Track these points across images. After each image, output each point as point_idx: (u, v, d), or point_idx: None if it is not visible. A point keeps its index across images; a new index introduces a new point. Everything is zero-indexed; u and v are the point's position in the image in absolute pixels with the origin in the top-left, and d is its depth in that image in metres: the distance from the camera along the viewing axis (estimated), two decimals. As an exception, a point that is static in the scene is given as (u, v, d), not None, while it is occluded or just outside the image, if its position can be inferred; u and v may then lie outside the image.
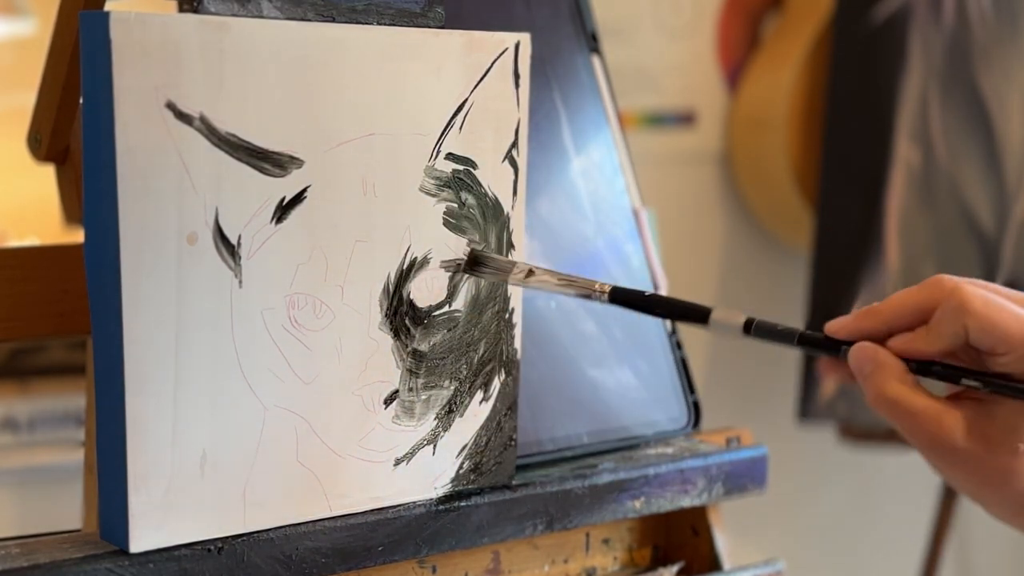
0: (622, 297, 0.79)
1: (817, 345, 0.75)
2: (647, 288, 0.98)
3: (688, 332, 1.03)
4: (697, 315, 0.76)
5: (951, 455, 0.71)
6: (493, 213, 0.82)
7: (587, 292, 0.79)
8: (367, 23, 0.77)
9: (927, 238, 2.07)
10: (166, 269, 0.69)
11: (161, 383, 0.69)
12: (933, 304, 0.72)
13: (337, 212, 0.75)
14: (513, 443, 0.85)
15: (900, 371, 0.71)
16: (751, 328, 0.75)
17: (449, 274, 0.80)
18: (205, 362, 0.71)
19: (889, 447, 2.13)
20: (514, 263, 0.81)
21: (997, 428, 0.71)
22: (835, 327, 0.74)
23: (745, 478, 0.95)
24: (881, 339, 0.73)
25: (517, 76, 0.82)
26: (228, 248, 0.71)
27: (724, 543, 0.96)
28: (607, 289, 0.78)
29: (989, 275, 2.05)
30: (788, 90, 2.16)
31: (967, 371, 0.71)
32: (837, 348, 0.74)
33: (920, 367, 0.72)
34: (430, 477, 0.81)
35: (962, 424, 0.70)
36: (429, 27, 0.79)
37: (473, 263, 0.80)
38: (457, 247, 0.80)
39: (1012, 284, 2.05)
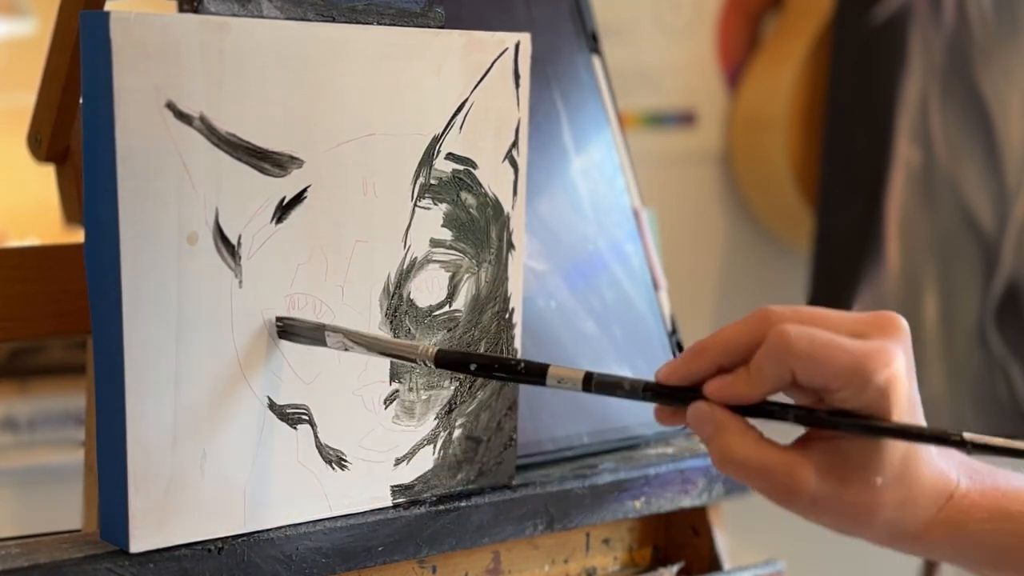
0: (447, 362, 0.72)
1: (661, 396, 0.69)
2: (647, 287, 0.98)
3: (688, 332, 1.03)
4: (534, 374, 0.71)
5: (811, 503, 0.68)
6: (493, 213, 0.82)
7: (410, 356, 0.73)
8: (367, 23, 0.77)
9: (927, 238, 2.07)
10: (166, 269, 0.69)
11: (161, 383, 0.69)
12: (760, 338, 0.67)
13: (337, 212, 0.75)
14: (513, 443, 0.85)
15: (740, 428, 0.67)
16: (591, 384, 0.69)
17: (449, 274, 0.80)
18: (205, 362, 0.71)
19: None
20: (324, 328, 0.74)
21: (850, 466, 0.67)
22: (665, 373, 0.69)
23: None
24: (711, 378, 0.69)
25: (517, 76, 0.82)
26: (228, 248, 0.71)
27: (724, 543, 0.96)
28: (431, 353, 0.71)
29: (989, 275, 2.06)
30: (788, 90, 2.16)
31: (797, 409, 0.67)
32: (682, 398, 0.69)
33: (751, 410, 0.67)
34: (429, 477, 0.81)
35: (814, 470, 0.67)
36: (429, 27, 0.79)
37: (282, 332, 0.74)
38: (457, 247, 0.80)
39: (1012, 284, 2.06)
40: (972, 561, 0.74)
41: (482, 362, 0.72)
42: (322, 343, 0.73)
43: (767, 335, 0.67)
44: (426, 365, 0.72)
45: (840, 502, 0.68)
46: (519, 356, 0.84)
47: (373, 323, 0.77)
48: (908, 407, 0.68)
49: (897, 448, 0.68)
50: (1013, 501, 0.72)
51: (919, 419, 0.69)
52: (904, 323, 0.69)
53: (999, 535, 0.71)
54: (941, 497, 0.71)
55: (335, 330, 0.73)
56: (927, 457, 0.70)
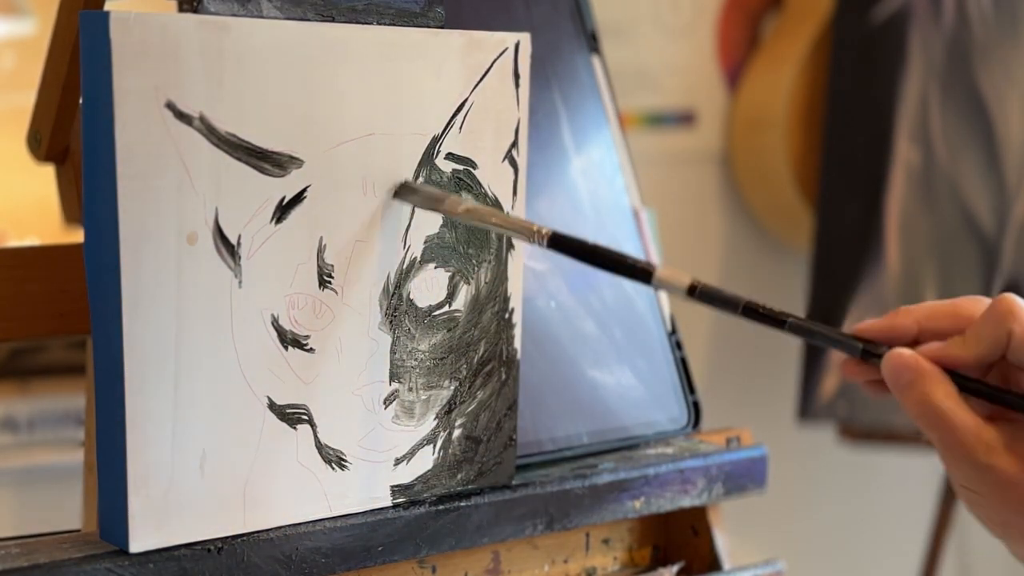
0: (562, 243, 0.75)
1: (761, 318, 0.72)
2: (648, 288, 0.98)
3: (688, 332, 1.03)
4: (640, 273, 0.73)
5: (984, 473, 0.68)
6: (493, 213, 0.82)
7: (527, 234, 0.76)
8: (367, 23, 0.77)
9: (927, 238, 2.07)
10: (166, 269, 0.69)
11: (161, 383, 0.69)
12: (968, 313, 0.69)
13: (337, 212, 0.75)
14: (513, 443, 0.85)
15: (944, 378, 0.69)
16: (695, 292, 0.72)
17: (449, 274, 0.80)
18: (205, 362, 0.71)
19: (889, 447, 2.13)
20: (448, 194, 0.77)
21: None
22: (863, 326, 0.71)
23: (745, 478, 0.95)
24: (909, 343, 0.71)
25: (517, 76, 0.82)
26: (228, 248, 0.71)
27: (724, 543, 0.96)
28: (547, 233, 0.75)
29: (989, 275, 2.05)
30: (788, 90, 2.16)
31: (1011, 393, 0.69)
32: (781, 323, 0.71)
33: (958, 383, 0.69)
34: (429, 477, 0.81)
35: (1000, 443, 0.68)
36: (429, 27, 0.79)
37: (403, 191, 0.77)
38: (456, 247, 0.80)
39: (1012, 284, 2.05)
40: None
41: (593, 250, 0.75)
42: (436, 208, 0.77)
43: (975, 313, 0.69)
44: (540, 245, 0.75)
45: (1013, 483, 0.68)
46: (519, 356, 0.84)
47: (373, 323, 0.77)
48: None
49: None
50: None
51: None
52: None
53: None
54: None
55: (459, 200, 0.77)
56: None
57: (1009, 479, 0.68)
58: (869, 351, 0.71)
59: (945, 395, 0.68)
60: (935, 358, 0.69)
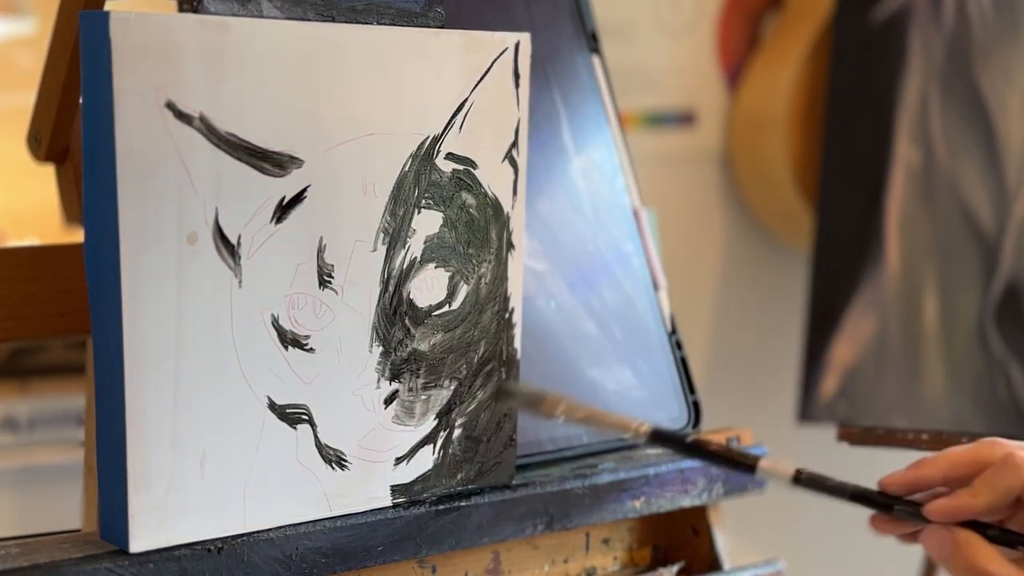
0: (663, 437, 0.77)
1: (870, 502, 0.76)
2: (647, 287, 0.98)
3: (688, 332, 1.03)
4: (744, 466, 0.76)
5: None
6: (493, 213, 0.82)
7: (627, 430, 0.77)
8: (367, 23, 0.77)
9: (927, 238, 2.07)
10: (166, 269, 0.69)
11: (161, 383, 0.69)
12: (986, 460, 0.73)
13: (337, 212, 0.75)
14: (513, 443, 0.85)
15: (982, 542, 0.73)
16: (800, 479, 0.77)
17: (449, 274, 0.80)
18: (205, 362, 0.71)
19: (889, 447, 2.13)
20: (545, 394, 0.79)
21: None
22: (888, 479, 0.76)
23: (745, 478, 0.95)
24: (933, 490, 0.75)
25: (517, 76, 0.82)
26: (228, 248, 0.71)
27: (724, 543, 0.96)
28: (646, 430, 0.76)
29: (989, 275, 2.06)
30: (788, 90, 2.16)
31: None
32: (889, 506, 0.75)
33: (983, 533, 0.73)
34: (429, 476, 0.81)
35: None
36: (429, 27, 0.79)
37: (501, 394, 0.79)
38: (456, 247, 0.80)
39: (1012, 284, 2.06)
40: None
41: (694, 445, 0.77)
42: (535, 413, 0.78)
43: (994, 459, 0.74)
44: (640, 441, 0.76)
45: None
46: (518, 356, 0.84)
47: (373, 323, 0.77)
48: None
49: None
50: None
51: None
52: None
53: None
54: None
55: (554, 400, 0.78)
56: None
57: None
58: (902, 508, 0.75)
59: (991, 559, 0.73)
60: (948, 510, 0.74)
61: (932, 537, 0.75)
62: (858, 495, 0.76)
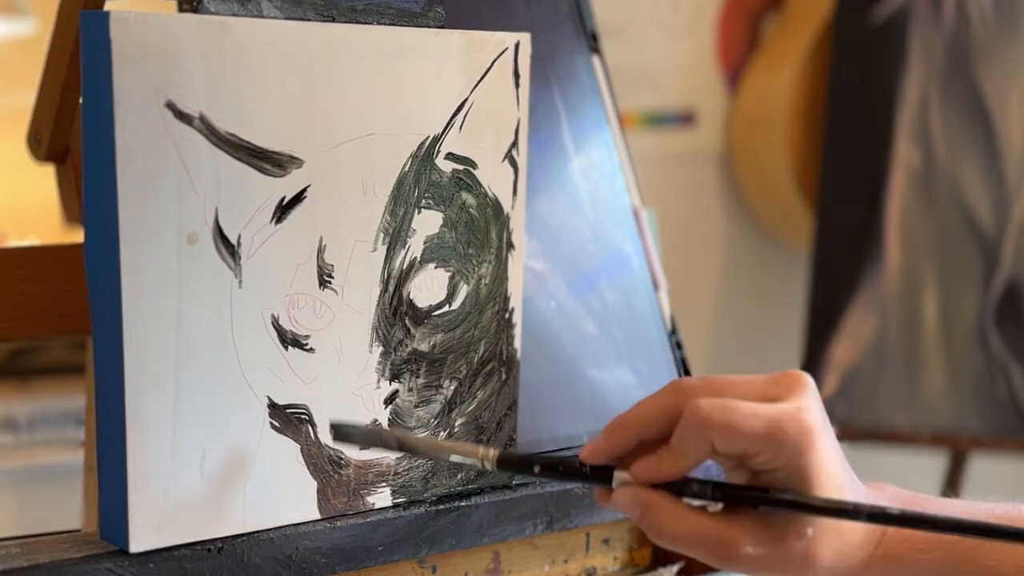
0: (511, 463, 0.73)
1: (574, 476, 0.73)
2: (647, 287, 0.98)
3: (688, 332, 1.03)
4: (598, 479, 0.72)
5: (749, 563, 0.70)
6: (493, 213, 0.82)
7: (470, 457, 0.73)
8: (367, 23, 0.77)
9: (927, 238, 2.07)
10: (166, 269, 0.69)
11: (161, 383, 0.69)
12: (676, 411, 0.70)
13: (337, 212, 0.75)
14: (513, 443, 0.85)
15: (669, 504, 0.70)
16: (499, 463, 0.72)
17: (448, 274, 0.80)
18: (205, 362, 0.71)
19: (889, 447, 2.13)
20: (380, 432, 0.76)
21: (780, 524, 0.70)
22: (586, 452, 0.72)
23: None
24: (633, 453, 0.71)
25: (517, 76, 0.82)
26: (228, 248, 0.71)
27: (724, 543, 0.96)
28: (493, 456, 0.72)
29: (989, 275, 2.06)
30: (788, 90, 2.16)
31: (715, 486, 0.70)
32: (599, 478, 0.72)
33: (674, 488, 0.70)
34: (430, 476, 0.81)
35: (746, 533, 0.70)
36: (429, 27, 0.79)
37: (337, 436, 0.75)
38: (456, 247, 0.80)
39: (1012, 284, 2.06)
40: None
41: (545, 464, 0.73)
42: (375, 446, 0.75)
43: (683, 408, 0.69)
44: (486, 467, 0.72)
45: (777, 560, 0.71)
46: (518, 356, 0.84)
47: (373, 323, 0.77)
48: (826, 461, 0.70)
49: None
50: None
51: (841, 466, 0.72)
52: (809, 379, 0.72)
53: (937, 564, 0.74)
54: (875, 534, 0.74)
55: (391, 435, 0.75)
56: (851, 488, 0.72)
57: (768, 557, 0.70)
58: (600, 478, 0.72)
59: (675, 518, 0.70)
60: (648, 478, 0.70)
61: (621, 500, 0.71)
62: (550, 468, 0.72)
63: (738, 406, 0.69)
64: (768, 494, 0.70)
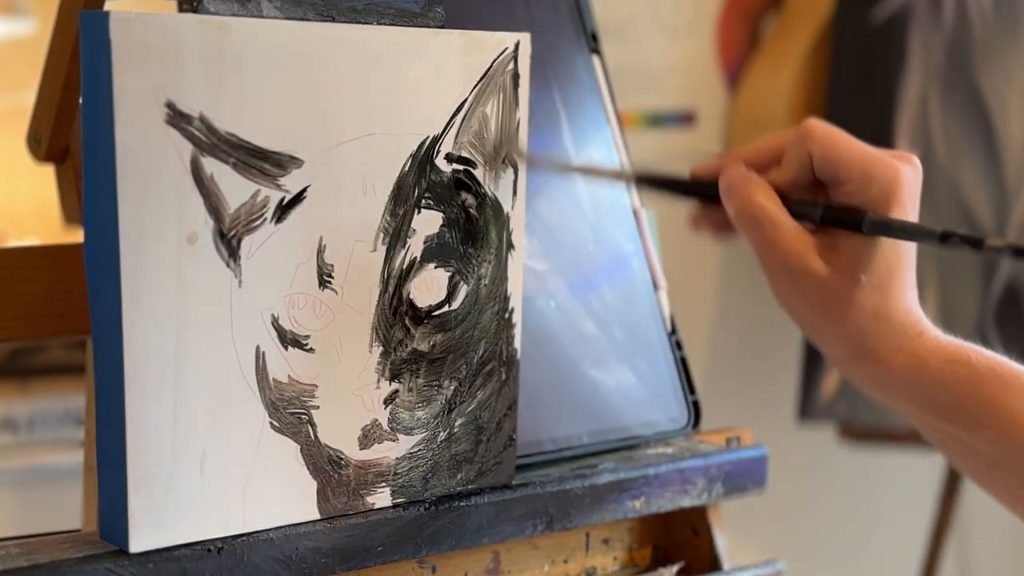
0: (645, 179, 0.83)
1: (692, 191, 0.81)
2: (647, 287, 0.98)
3: (688, 332, 1.03)
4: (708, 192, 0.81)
5: (799, 274, 0.76)
6: (493, 213, 0.82)
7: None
8: (367, 23, 0.77)
9: (927, 238, 2.06)
10: (166, 269, 0.69)
11: (161, 383, 0.69)
12: (787, 141, 0.78)
13: (337, 212, 0.75)
14: (513, 443, 0.85)
15: (767, 188, 0.77)
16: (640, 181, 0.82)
17: (448, 274, 0.80)
18: (205, 362, 0.71)
19: (889, 447, 2.13)
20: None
21: (843, 258, 0.76)
22: (697, 169, 0.80)
23: (745, 478, 0.95)
24: None
25: (517, 76, 0.82)
26: (228, 248, 0.71)
27: (724, 543, 0.96)
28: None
29: (989, 275, 2.06)
30: (788, 90, 2.16)
31: (810, 204, 0.77)
32: (700, 193, 0.80)
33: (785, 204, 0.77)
34: (430, 477, 0.81)
35: (813, 246, 0.76)
36: (429, 27, 0.79)
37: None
38: (456, 247, 0.80)
39: (1012, 284, 2.06)
40: (925, 405, 0.78)
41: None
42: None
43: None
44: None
45: (823, 285, 0.76)
46: (518, 356, 0.84)
47: (372, 323, 0.77)
48: (906, 216, 0.76)
49: (884, 256, 0.76)
50: (971, 350, 0.78)
51: (909, 245, 0.78)
52: (918, 163, 0.78)
53: (957, 380, 0.77)
54: (912, 328, 0.78)
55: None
56: (909, 283, 0.78)
57: (822, 283, 0.76)
58: (709, 192, 0.79)
59: (766, 198, 0.77)
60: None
61: (729, 172, 0.78)
62: (677, 184, 0.81)
63: (844, 136, 0.77)
64: (867, 215, 0.75)
